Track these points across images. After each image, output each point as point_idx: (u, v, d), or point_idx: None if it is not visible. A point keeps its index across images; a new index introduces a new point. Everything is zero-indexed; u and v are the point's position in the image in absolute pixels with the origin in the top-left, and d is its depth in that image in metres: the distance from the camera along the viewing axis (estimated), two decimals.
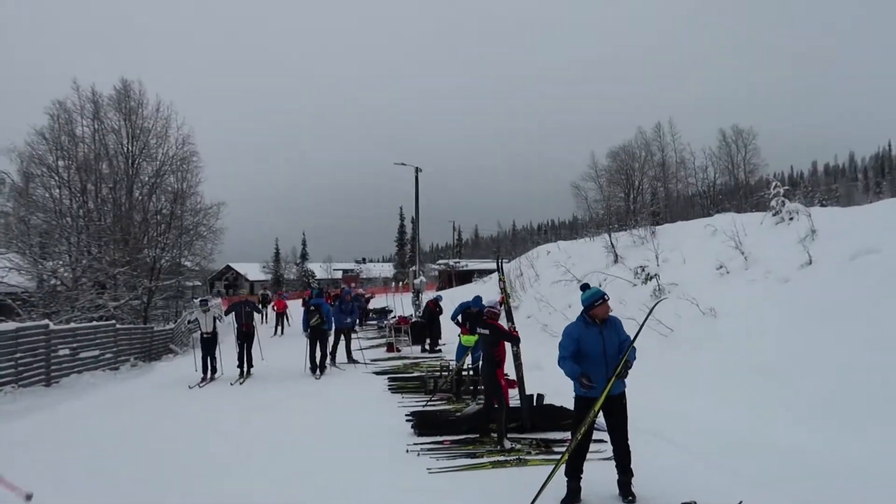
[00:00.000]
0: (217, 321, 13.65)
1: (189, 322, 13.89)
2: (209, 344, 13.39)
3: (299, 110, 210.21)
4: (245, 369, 13.34)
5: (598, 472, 5.64)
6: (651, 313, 6.27)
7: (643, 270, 14.80)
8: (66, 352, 14.12)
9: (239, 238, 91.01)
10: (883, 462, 5.91)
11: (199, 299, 15.30)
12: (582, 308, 5.56)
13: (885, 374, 7.37)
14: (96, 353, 15.48)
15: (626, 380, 5.36)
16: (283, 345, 19.18)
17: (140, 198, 26.10)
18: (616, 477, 5.35)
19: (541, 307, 17.44)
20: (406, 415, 8.70)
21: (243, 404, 10.49)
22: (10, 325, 12.63)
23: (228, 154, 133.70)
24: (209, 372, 13.23)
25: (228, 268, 78.90)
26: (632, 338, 5.46)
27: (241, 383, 12.65)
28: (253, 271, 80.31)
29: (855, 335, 8.44)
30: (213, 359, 13.38)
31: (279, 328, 23.42)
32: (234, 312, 13.86)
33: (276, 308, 24.42)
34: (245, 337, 13.51)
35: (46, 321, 14.42)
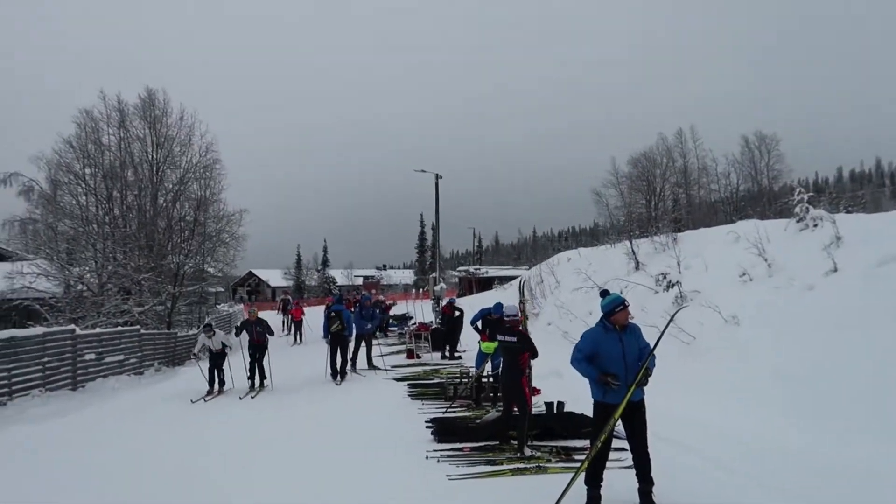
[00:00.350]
0: (226, 345, 13.05)
1: (198, 352, 13.08)
2: (217, 356, 12.84)
3: (321, 118, 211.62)
4: (258, 382, 12.84)
5: (619, 481, 5.62)
6: (672, 321, 6.24)
7: (665, 277, 14.70)
8: (92, 356, 14.35)
9: (261, 244, 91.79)
10: None
11: (203, 324, 14.64)
12: (602, 314, 5.55)
13: None
14: (121, 357, 15.72)
15: (646, 387, 5.34)
16: (301, 352, 19.28)
17: (164, 205, 26.46)
18: (636, 485, 5.31)
19: (561, 314, 17.37)
20: (426, 421, 8.73)
21: (262, 410, 10.58)
22: (38, 330, 12.87)
23: (251, 161, 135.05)
24: (216, 385, 12.71)
25: (251, 274, 79.65)
26: (652, 345, 5.44)
27: (252, 397, 12.03)
28: (275, 277, 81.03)
29: (881, 343, 8.32)
30: (221, 371, 12.84)
31: (298, 336, 23.36)
32: (244, 331, 13.24)
33: (293, 316, 24.30)
34: (257, 349, 12.94)
35: (73, 326, 14.64)
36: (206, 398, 12.01)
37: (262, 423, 9.55)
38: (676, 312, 6.79)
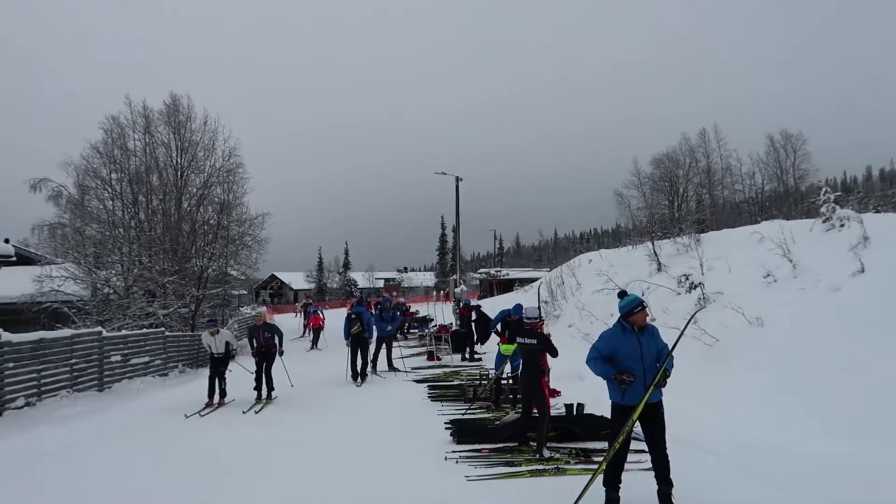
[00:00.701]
0: (230, 347, 11.81)
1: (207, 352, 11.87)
2: (218, 362, 11.61)
3: (343, 121, 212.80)
4: (265, 393, 11.64)
5: (638, 482, 5.59)
6: (691, 321, 6.19)
7: (687, 279, 14.56)
8: (118, 358, 14.56)
9: (284, 247, 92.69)
10: None
11: (207, 320, 13.60)
12: (620, 315, 5.53)
13: None
14: (146, 359, 15.92)
15: (665, 388, 5.30)
16: (320, 356, 19.30)
17: (188, 209, 26.72)
18: (655, 487, 5.27)
19: (582, 316, 17.28)
20: (445, 423, 8.74)
21: (275, 414, 10.56)
22: (66, 332, 13.08)
23: (274, 165, 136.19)
24: (216, 396, 11.45)
25: (273, 276, 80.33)
26: (670, 346, 5.40)
27: (256, 411, 10.66)
28: (297, 280, 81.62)
29: None
30: (223, 380, 11.58)
31: (316, 342, 22.81)
32: (252, 338, 12.13)
33: (312, 325, 23.85)
34: (265, 356, 11.77)
35: (100, 328, 14.85)
36: (203, 412, 10.76)
37: (281, 424, 9.52)
38: (695, 313, 6.75)
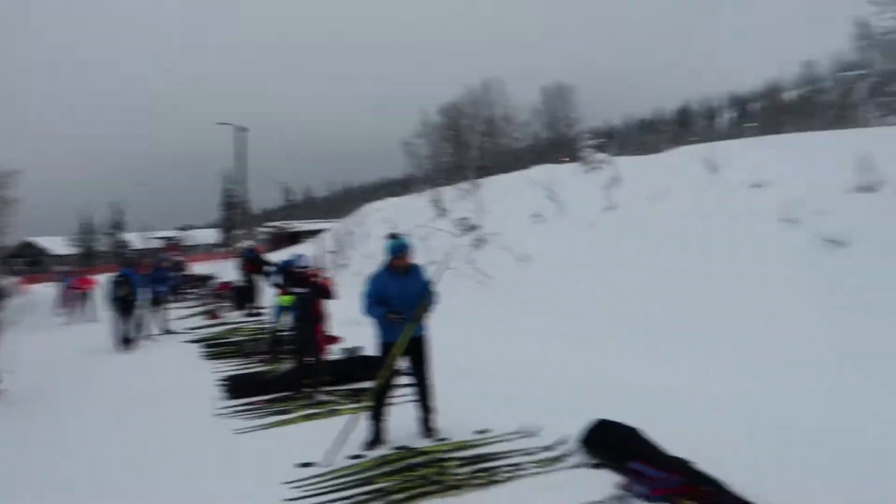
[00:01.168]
0: None
1: None
2: None
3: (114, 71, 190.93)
4: None
5: (405, 414, 5.73)
6: (450, 258, 6.47)
7: (465, 221, 15.18)
8: None
9: (42, 210, 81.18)
10: (669, 380, 6.66)
11: None
12: (386, 257, 5.59)
13: (673, 305, 8.34)
14: None
15: (428, 323, 5.53)
16: (85, 326, 16.75)
17: None
18: (419, 415, 5.53)
19: (369, 264, 17.37)
20: (219, 380, 8.32)
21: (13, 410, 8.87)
22: None
23: (31, 118, 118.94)
24: None
25: (28, 243, 69.57)
26: (433, 282, 5.56)
27: None
28: (59, 245, 72.05)
29: (651, 273, 9.32)
30: None
31: (85, 312, 18.11)
32: None
33: (78, 288, 18.91)
34: None
35: None
36: None
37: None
38: (454, 251, 7.02)
